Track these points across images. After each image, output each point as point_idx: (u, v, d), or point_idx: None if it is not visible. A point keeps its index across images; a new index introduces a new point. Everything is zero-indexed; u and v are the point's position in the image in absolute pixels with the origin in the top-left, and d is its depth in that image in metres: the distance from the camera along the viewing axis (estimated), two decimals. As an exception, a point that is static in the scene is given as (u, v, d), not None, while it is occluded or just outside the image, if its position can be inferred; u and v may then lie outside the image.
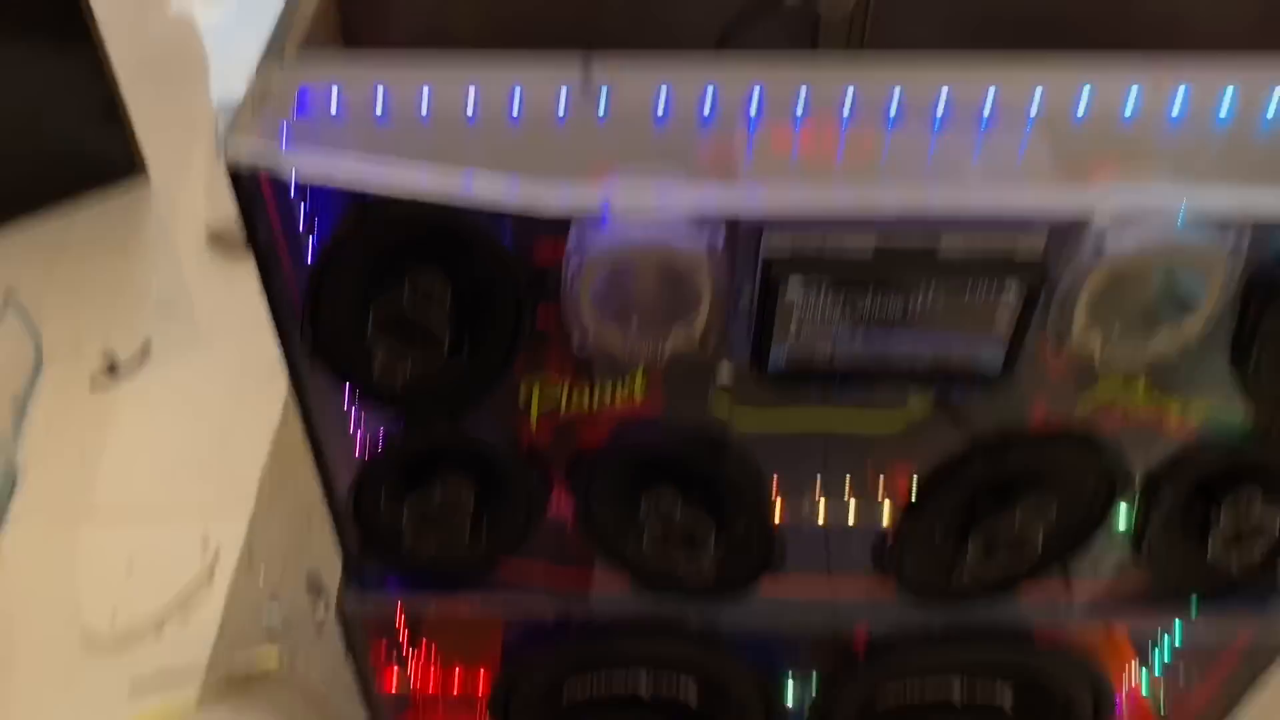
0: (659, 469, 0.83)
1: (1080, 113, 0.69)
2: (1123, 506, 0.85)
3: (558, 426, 0.82)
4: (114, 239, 1.90)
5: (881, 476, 0.87)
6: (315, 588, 1.30)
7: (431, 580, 0.94)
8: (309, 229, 0.70)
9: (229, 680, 1.19)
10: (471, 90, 0.68)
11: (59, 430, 1.56)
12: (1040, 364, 0.74)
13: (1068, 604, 0.93)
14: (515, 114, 0.69)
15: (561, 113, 0.68)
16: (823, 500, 0.90)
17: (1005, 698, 1.02)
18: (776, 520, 0.87)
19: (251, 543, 1.34)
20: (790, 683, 1.03)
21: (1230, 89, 0.68)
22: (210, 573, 1.32)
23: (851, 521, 0.91)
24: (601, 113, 0.68)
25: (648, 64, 0.68)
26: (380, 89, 0.68)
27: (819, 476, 0.89)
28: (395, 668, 1.08)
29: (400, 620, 1.06)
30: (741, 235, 0.67)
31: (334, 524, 0.93)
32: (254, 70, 0.69)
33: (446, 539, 0.86)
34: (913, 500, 0.84)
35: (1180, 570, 0.88)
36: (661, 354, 0.70)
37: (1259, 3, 0.88)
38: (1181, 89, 0.68)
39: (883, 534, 0.88)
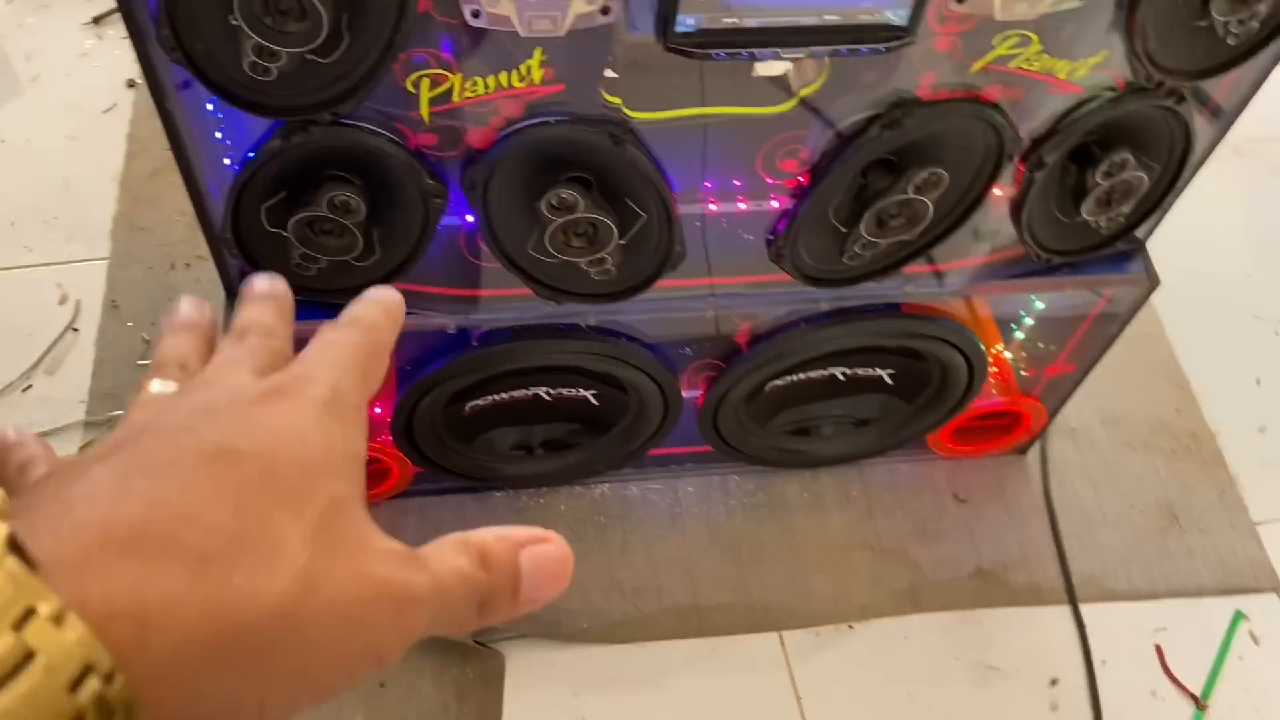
0: (556, 164, 0.81)
1: None
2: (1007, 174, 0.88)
3: (449, 124, 0.78)
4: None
5: (775, 161, 0.87)
6: (191, 330, 1.25)
7: (323, 306, 0.91)
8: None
9: (114, 425, 1.16)
10: None
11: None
12: (943, 19, 0.73)
13: (943, 279, 0.97)
14: None
15: None
16: (716, 191, 0.90)
17: (887, 370, 1.08)
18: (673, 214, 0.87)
19: (113, 290, 1.27)
20: (685, 376, 1.07)
21: None
22: (72, 325, 1.25)
23: (745, 209, 0.91)
24: None
25: None
26: None
27: (711, 167, 0.89)
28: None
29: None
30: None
31: (213, 254, 0.89)
32: None
33: (338, 250, 0.83)
34: (808, 179, 0.85)
35: (1055, 233, 0.93)
36: (562, 21, 0.66)
37: None
38: None
39: (776, 218, 0.89)
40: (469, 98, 0.75)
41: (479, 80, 0.74)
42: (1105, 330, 1.06)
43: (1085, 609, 1.16)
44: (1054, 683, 1.12)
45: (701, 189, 0.90)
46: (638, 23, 0.69)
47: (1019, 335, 1.15)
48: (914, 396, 1.11)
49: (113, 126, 1.44)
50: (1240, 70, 0.82)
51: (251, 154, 0.78)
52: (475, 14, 0.67)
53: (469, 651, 1.08)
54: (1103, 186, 0.87)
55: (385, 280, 0.88)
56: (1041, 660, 1.13)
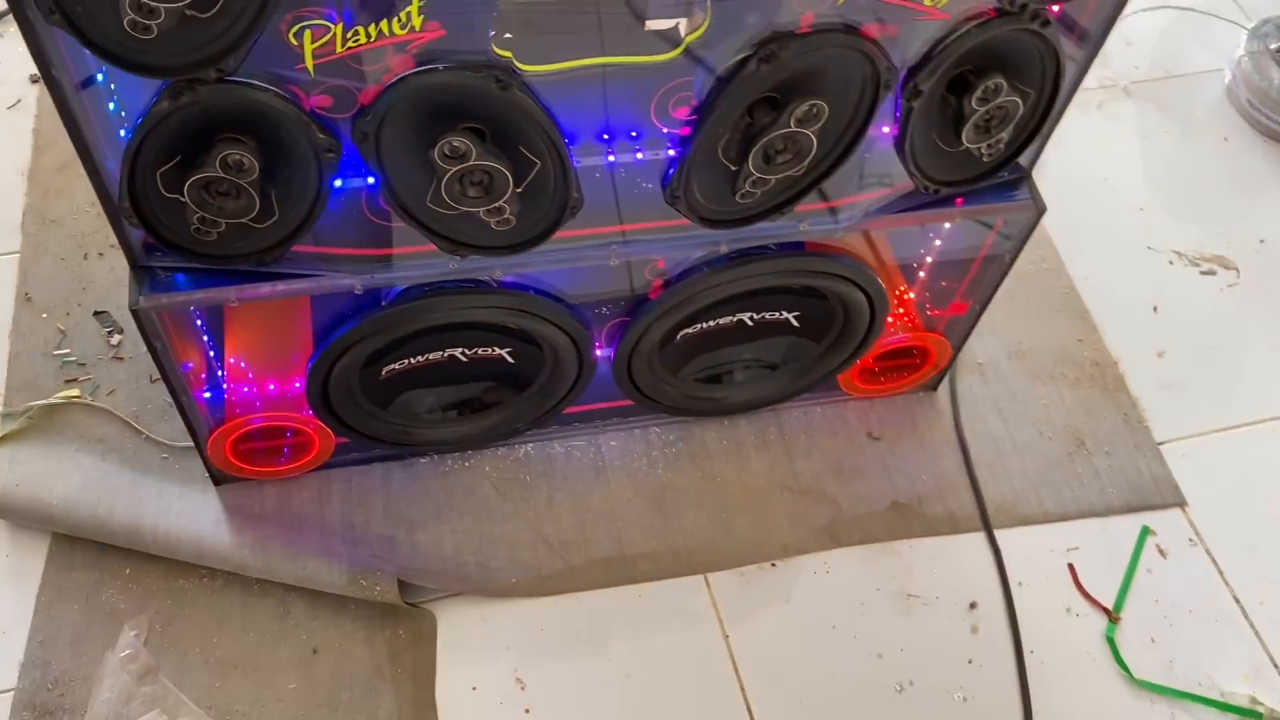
0: (447, 114, 0.82)
1: None
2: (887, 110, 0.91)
3: (343, 83, 0.79)
4: None
5: (670, 109, 0.89)
6: (104, 318, 1.25)
7: (228, 273, 0.92)
8: None
9: (34, 416, 1.16)
10: None
11: None
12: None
13: (837, 215, 1.00)
14: None
15: None
16: (615, 142, 0.93)
17: (793, 312, 1.11)
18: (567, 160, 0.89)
19: (25, 283, 1.27)
20: (600, 333, 1.09)
21: None
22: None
23: (640, 158, 0.94)
24: None
25: None
26: None
27: (604, 118, 0.91)
28: (204, 373, 1.07)
29: (202, 316, 1.04)
30: None
31: (113, 227, 0.89)
32: None
33: (236, 212, 0.84)
34: (696, 119, 0.87)
35: (940, 163, 0.96)
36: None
37: None
38: None
39: (669, 163, 0.92)
40: (352, 48, 0.76)
41: (360, 30, 0.75)
42: (999, 263, 1.10)
43: (1000, 534, 1.20)
44: (973, 606, 1.16)
45: (601, 140, 0.92)
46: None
47: (921, 274, 1.19)
48: (820, 337, 1.14)
49: (18, 122, 1.43)
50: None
51: (141, 118, 0.79)
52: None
53: (400, 613, 1.10)
54: (979, 113, 0.91)
55: (287, 242, 0.89)
56: (960, 586, 1.17)
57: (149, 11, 0.70)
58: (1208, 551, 1.21)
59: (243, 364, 1.09)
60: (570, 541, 1.15)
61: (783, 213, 0.96)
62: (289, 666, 1.07)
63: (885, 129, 0.94)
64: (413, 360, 1.06)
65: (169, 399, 1.04)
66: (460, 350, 1.06)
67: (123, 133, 0.83)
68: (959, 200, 1.02)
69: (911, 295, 1.20)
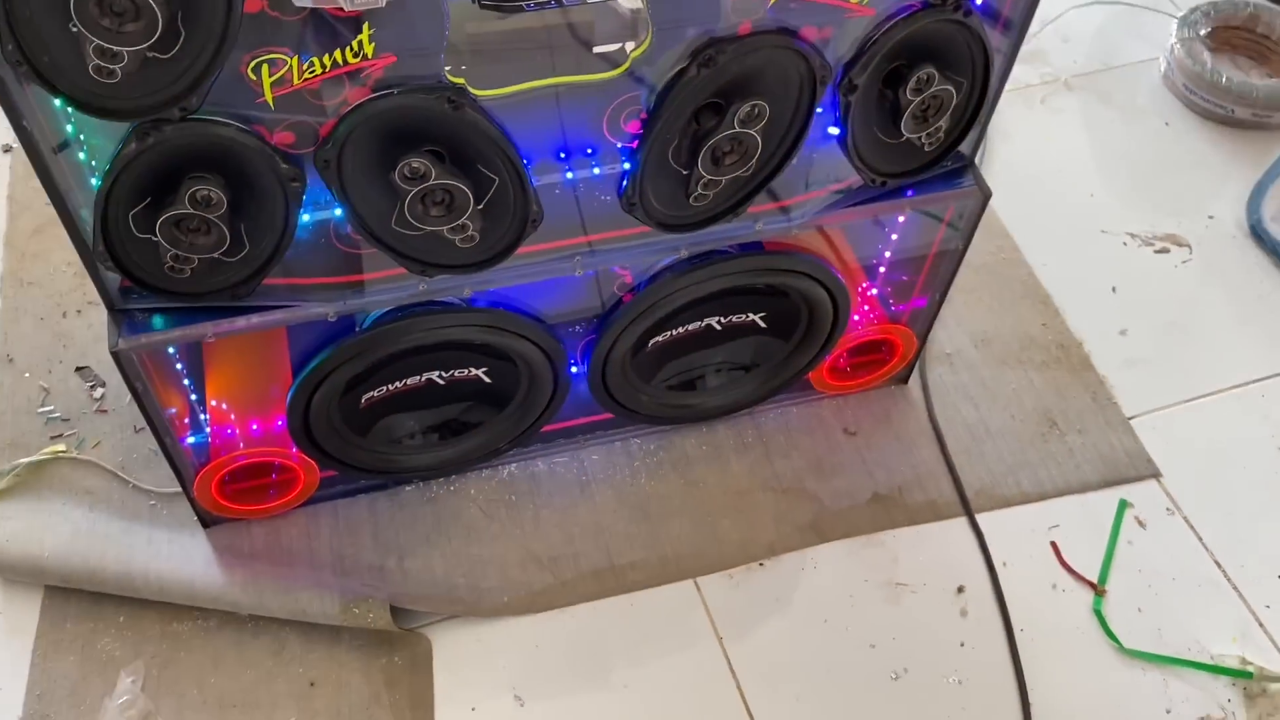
0: (406, 138, 0.85)
1: None
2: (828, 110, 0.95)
3: (304, 119, 0.82)
4: None
5: (621, 123, 0.93)
6: (86, 373, 1.27)
7: (202, 309, 0.94)
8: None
9: (21, 473, 1.17)
10: None
11: None
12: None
13: (790, 213, 1.03)
14: None
15: None
16: (568, 159, 0.96)
17: (759, 313, 1.14)
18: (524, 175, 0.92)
19: (7, 345, 1.29)
20: (570, 347, 1.11)
21: None
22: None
23: (597, 173, 0.97)
24: None
25: None
26: None
27: (562, 137, 0.94)
28: (187, 415, 1.09)
29: (182, 358, 1.06)
30: None
31: (91, 274, 0.91)
32: None
33: (207, 247, 0.87)
34: (645, 127, 0.91)
35: (883, 155, 1.00)
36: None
37: None
38: None
39: (623, 174, 0.95)
40: (308, 79, 0.79)
41: (315, 61, 0.79)
42: (953, 253, 1.13)
43: (981, 518, 1.22)
44: (960, 590, 1.18)
45: (559, 159, 0.95)
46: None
47: (881, 270, 1.22)
48: (788, 335, 1.17)
49: (-7, 193, 1.46)
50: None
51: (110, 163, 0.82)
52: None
53: (395, 639, 1.11)
54: (915, 103, 0.94)
55: (259, 275, 0.92)
56: (946, 571, 1.19)
57: (112, 56, 0.73)
58: (1185, 519, 1.24)
59: (224, 405, 1.11)
60: (559, 556, 1.17)
61: (736, 214, 1.00)
62: (287, 701, 1.08)
63: (830, 129, 0.98)
64: (391, 386, 1.08)
65: (154, 447, 1.06)
66: (437, 373, 1.09)
67: (94, 180, 0.86)
68: (908, 191, 1.05)
69: (874, 291, 1.23)
